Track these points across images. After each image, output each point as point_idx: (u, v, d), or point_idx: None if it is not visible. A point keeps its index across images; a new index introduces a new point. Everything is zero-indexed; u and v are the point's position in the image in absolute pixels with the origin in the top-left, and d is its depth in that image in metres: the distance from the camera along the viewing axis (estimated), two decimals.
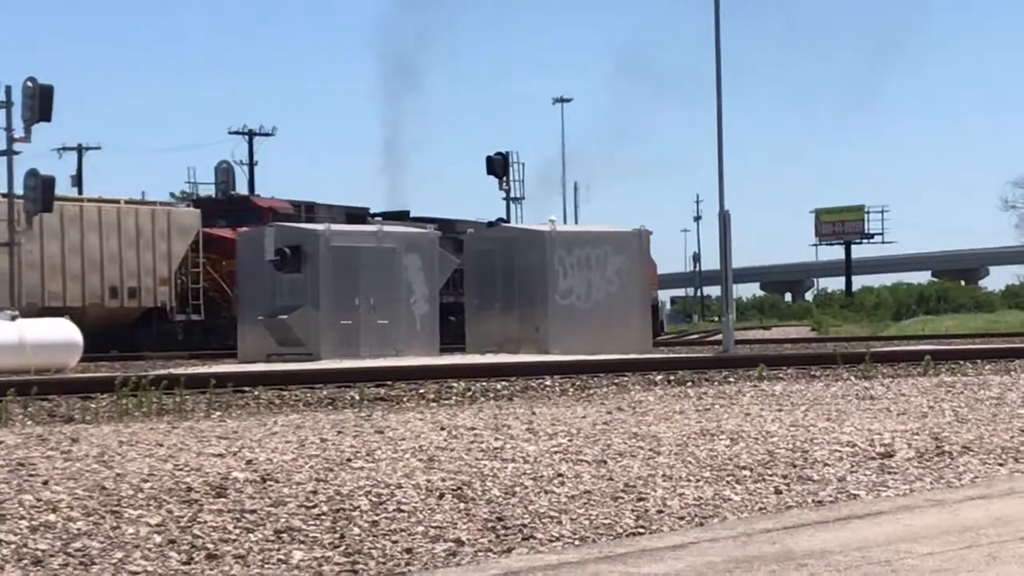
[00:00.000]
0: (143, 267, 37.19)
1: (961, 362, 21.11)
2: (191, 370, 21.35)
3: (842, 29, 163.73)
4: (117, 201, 37.49)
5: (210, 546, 6.16)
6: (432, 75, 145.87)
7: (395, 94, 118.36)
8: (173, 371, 20.00)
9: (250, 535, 6.36)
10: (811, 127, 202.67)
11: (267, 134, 74.62)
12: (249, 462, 7.88)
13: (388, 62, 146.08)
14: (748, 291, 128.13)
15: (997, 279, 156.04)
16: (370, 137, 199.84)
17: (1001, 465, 8.93)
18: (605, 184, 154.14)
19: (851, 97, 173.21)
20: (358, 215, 40.11)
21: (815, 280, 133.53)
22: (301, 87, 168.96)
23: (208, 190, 63.79)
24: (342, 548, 6.26)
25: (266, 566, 5.96)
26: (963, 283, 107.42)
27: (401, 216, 42.02)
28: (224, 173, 58.22)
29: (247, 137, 73.58)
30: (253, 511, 6.72)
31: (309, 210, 40.13)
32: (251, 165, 73.24)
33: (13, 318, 24.59)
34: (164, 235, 37.60)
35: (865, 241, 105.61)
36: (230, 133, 74.14)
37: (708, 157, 34.00)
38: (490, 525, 6.74)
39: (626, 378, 18.54)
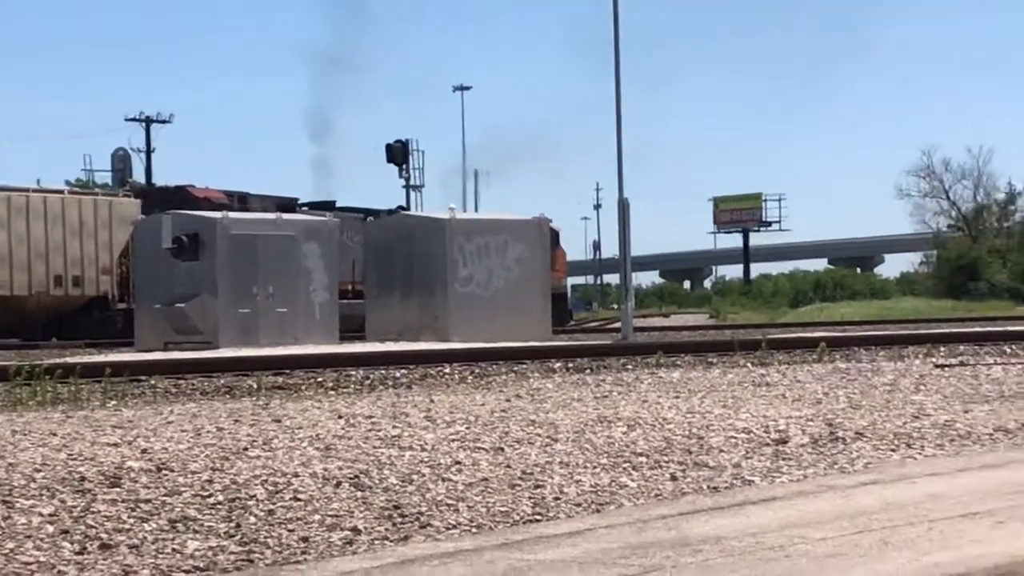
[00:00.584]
0: (86, 256, 37.30)
1: (855, 348, 21.34)
2: (87, 359, 21.13)
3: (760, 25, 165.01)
4: (61, 191, 37.57)
5: (104, 536, 6.10)
6: (355, 62, 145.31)
7: (318, 82, 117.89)
8: (68, 360, 19.77)
9: (144, 525, 6.31)
10: (711, 116, 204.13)
11: (164, 121, 74.08)
12: (144, 451, 7.82)
13: (312, 47, 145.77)
14: (648, 279, 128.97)
15: (892, 266, 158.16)
16: (292, 126, 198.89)
17: (893, 451, 9.04)
18: (509, 172, 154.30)
19: (752, 87, 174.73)
20: (288, 205, 40.21)
21: (714, 268, 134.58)
22: (207, 74, 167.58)
23: (104, 178, 63.25)
24: (237, 537, 6.22)
25: (160, 556, 5.91)
26: (859, 270, 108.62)
27: (327, 206, 42.16)
28: (120, 160, 57.74)
29: (144, 124, 73.00)
30: (148, 501, 6.67)
31: (242, 200, 40.37)
32: (148, 153, 72.61)
33: None
34: (106, 225, 37.68)
35: (763, 229, 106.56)
36: (127, 120, 73.57)
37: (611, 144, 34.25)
38: (387, 513, 6.73)
39: (525, 366, 18.57)
